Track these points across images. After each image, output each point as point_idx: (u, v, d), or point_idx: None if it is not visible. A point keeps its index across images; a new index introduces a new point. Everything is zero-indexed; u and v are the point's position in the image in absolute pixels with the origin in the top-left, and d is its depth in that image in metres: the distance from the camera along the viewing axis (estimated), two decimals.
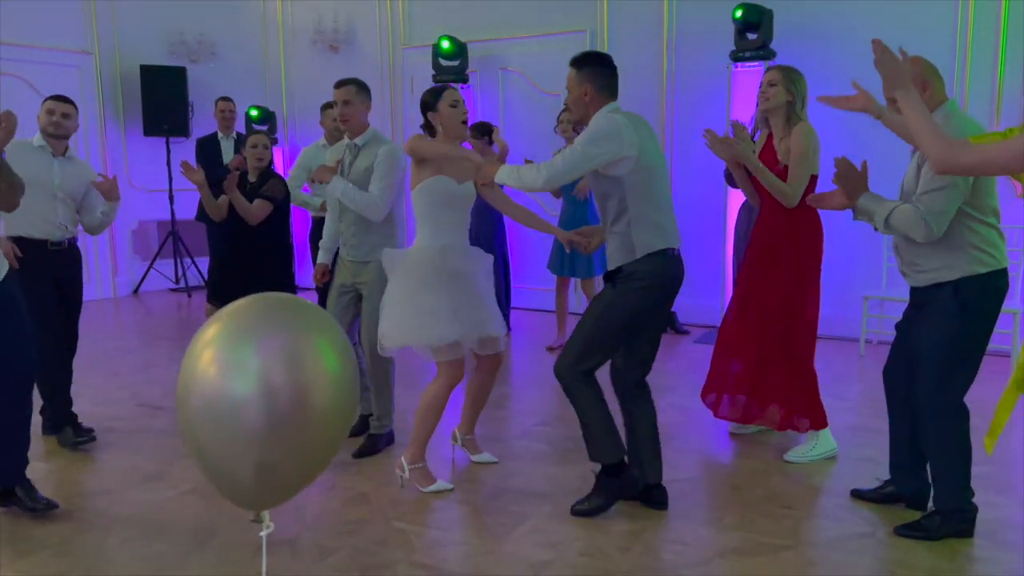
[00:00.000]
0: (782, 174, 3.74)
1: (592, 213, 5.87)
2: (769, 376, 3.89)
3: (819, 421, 3.88)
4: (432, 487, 3.57)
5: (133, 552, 3.06)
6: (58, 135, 4.04)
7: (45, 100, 4.11)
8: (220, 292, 4.54)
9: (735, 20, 6.10)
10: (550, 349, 6.12)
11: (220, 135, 6.77)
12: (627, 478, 3.27)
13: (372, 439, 4.05)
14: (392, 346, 3.51)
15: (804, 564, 2.93)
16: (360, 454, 3.98)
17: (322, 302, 4.74)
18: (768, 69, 3.89)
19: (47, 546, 3.12)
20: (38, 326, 3.56)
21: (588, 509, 3.29)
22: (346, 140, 4.03)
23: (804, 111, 3.79)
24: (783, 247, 3.81)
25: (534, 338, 6.52)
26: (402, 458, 3.61)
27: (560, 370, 3.21)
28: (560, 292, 6.10)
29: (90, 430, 4.22)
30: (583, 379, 3.18)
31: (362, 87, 4.00)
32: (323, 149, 5.55)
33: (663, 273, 3.15)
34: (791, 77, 3.77)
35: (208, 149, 6.69)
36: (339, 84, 3.99)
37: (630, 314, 3.15)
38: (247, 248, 4.56)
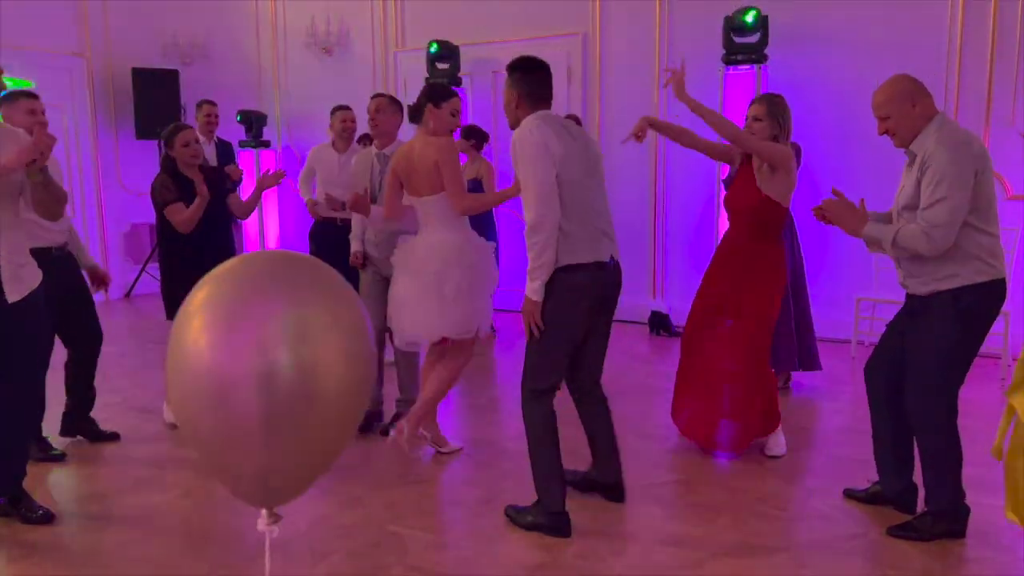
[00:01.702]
0: (762, 204, 3.77)
1: None
2: (732, 392, 3.91)
3: (774, 424, 3.94)
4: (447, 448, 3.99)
5: (127, 556, 3.06)
6: None
7: (17, 98, 3.85)
8: None
9: (735, 24, 6.11)
10: None
11: (201, 139, 6.68)
12: (564, 524, 3.15)
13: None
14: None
15: (797, 565, 2.94)
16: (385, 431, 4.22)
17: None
18: (753, 102, 3.91)
19: (41, 550, 3.12)
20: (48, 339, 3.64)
21: (515, 518, 3.23)
22: (373, 150, 4.30)
23: (785, 139, 3.83)
24: (750, 267, 3.85)
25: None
26: (419, 428, 3.86)
27: (522, 391, 3.18)
28: None
29: (115, 434, 4.29)
30: (534, 399, 3.13)
31: (394, 101, 4.35)
32: (329, 149, 5.76)
33: (580, 286, 3.05)
34: (776, 111, 3.79)
35: None
36: (374, 96, 4.36)
37: (555, 326, 3.05)
38: (222, 251, 4.38)
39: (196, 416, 1.94)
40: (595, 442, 3.43)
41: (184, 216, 4.19)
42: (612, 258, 3.15)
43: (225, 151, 6.80)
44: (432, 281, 3.66)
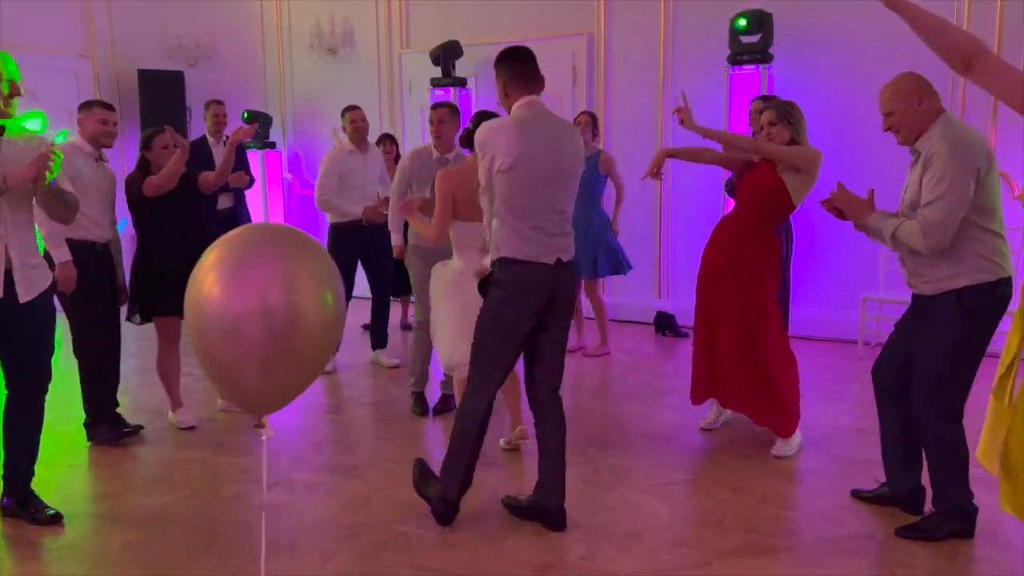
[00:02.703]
0: (775, 188, 3.81)
1: (599, 216, 5.86)
2: (738, 384, 3.98)
3: (786, 428, 3.94)
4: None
5: (134, 556, 3.07)
6: (110, 145, 4.18)
7: (93, 107, 4.15)
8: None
9: (735, 27, 6.11)
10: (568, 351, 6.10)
11: (210, 140, 6.65)
12: (449, 513, 3.23)
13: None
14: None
15: (805, 565, 2.93)
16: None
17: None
18: (764, 109, 3.95)
19: (49, 551, 3.13)
20: (99, 327, 4.14)
21: (417, 477, 3.33)
22: (435, 155, 4.60)
23: (805, 140, 3.84)
24: (740, 265, 3.91)
25: None
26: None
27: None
28: None
29: (139, 427, 4.40)
30: (469, 393, 3.18)
31: (455, 110, 4.68)
32: (354, 155, 5.56)
33: (522, 284, 3.08)
34: (786, 112, 3.81)
35: (199, 152, 6.19)
36: (435, 107, 4.69)
37: (498, 323, 3.11)
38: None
39: (210, 346, 2.46)
40: (542, 459, 3.26)
41: (159, 176, 4.20)
42: (559, 260, 3.12)
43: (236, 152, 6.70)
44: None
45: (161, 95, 8.44)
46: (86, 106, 4.20)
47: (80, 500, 3.61)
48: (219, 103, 6.67)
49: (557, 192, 3.10)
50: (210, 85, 8.73)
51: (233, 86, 8.71)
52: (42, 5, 7.85)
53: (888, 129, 3.05)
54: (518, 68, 3.15)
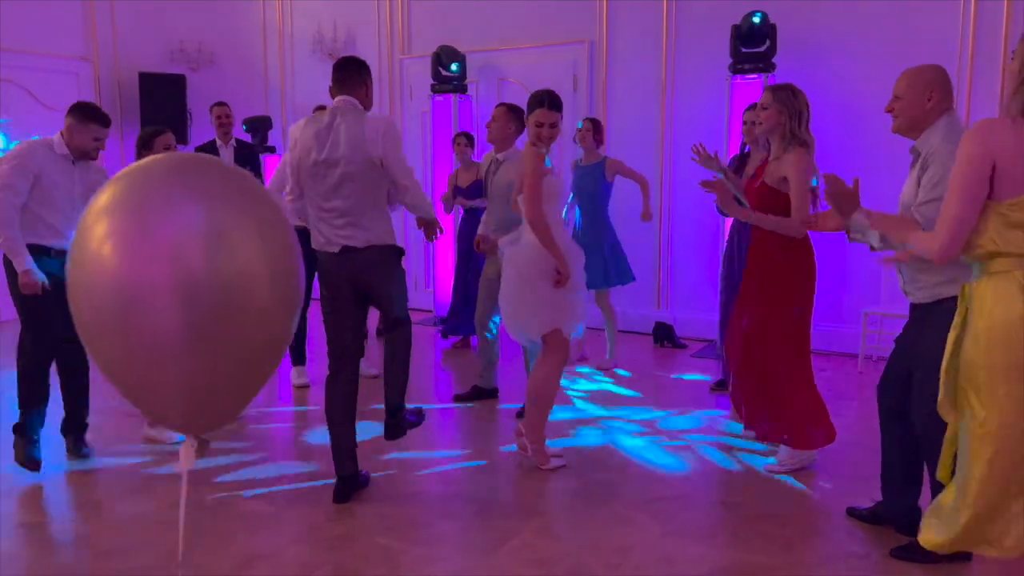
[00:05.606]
0: (767, 195, 3.69)
1: (605, 224, 5.75)
2: (756, 394, 3.87)
3: (801, 441, 3.83)
4: (550, 465, 3.87)
5: (118, 566, 3.01)
6: (95, 159, 3.98)
7: (90, 123, 3.85)
8: None
9: (737, 34, 6.05)
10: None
11: (218, 142, 6.65)
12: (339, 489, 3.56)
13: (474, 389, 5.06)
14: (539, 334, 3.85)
15: None
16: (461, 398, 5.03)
17: None
18: (764, 91, 3.85)
19: (29, 559, 3.08)
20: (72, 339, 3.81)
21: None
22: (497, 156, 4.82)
23: (805, 128, 3.70)
24: (778, 274, 3.76)
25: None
26: (524, 439, 3.90)
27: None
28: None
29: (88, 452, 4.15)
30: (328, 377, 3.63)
31: (511, 110, 4.80)
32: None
33: (320, 269, 3.48)
34: (782, 97, 3.70)
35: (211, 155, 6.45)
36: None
37: (323, 306, 3.50)
38: None
39: (105, 335, 1.65)
40: None
41: None
42: (345, 247, 3.37)
43: (243, 155, 6.60)
44: (519, 283, 3.81)
45: (163, 98, 8.44)
46: (81, 117, 3.85)
47: (64, 506, 3.57)
48: (221, 105, 6.64)
49: (336, 187, 3.32)
50: (212, 89, 8.71)
51: (234, 90, 8.69)
52: (43, 7, 7.85)
53: (889, 111, 3.00)
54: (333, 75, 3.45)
